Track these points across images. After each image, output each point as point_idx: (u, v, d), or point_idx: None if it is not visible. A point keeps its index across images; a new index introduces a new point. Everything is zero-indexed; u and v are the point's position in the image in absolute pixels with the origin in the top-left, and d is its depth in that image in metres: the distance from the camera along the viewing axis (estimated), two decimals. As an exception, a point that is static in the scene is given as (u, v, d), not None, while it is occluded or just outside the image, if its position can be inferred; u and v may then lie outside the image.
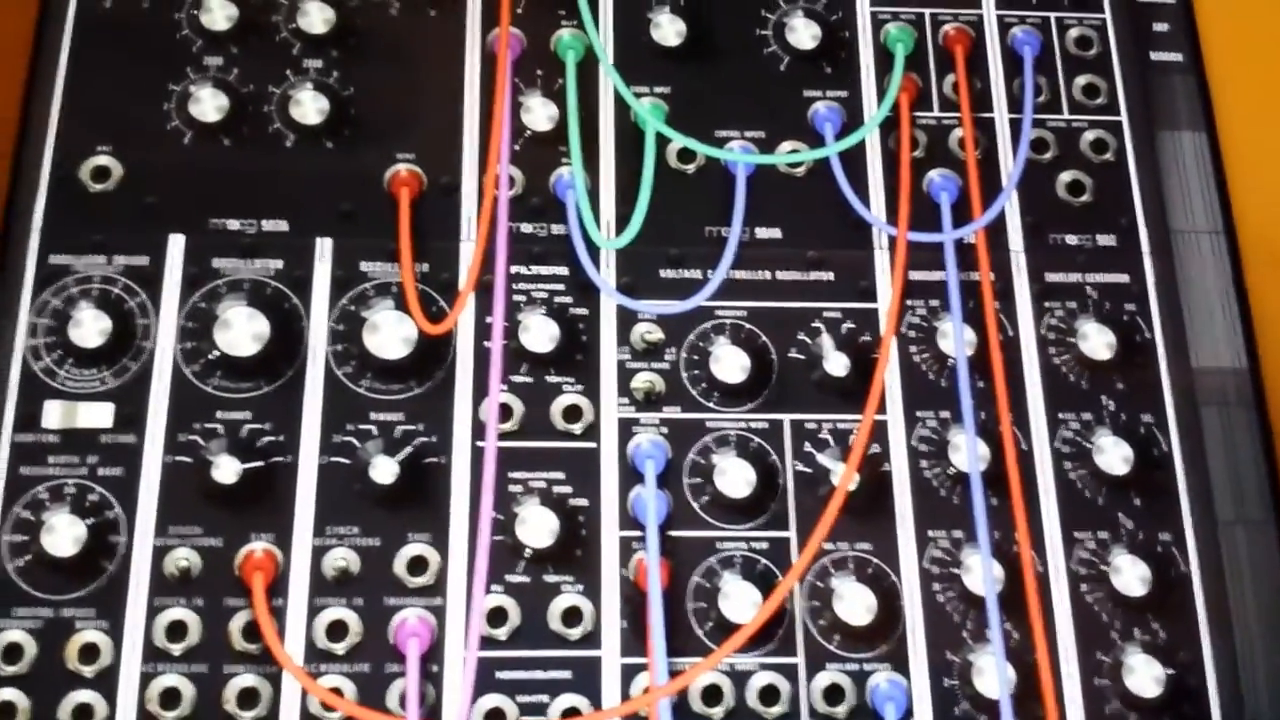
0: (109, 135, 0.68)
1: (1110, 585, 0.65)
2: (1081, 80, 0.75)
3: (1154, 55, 0.76)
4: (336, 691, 0.60)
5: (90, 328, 0.64)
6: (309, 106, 0.69)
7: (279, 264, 0.67)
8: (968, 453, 0.66)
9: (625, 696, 0.62)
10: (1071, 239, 0.72)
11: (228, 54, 0.71)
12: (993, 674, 0.63)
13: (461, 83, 0.71)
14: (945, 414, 0.68)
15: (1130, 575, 0.65)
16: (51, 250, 0.66)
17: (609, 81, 0.72)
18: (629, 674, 0.62)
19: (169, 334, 0.65)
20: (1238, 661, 0.65)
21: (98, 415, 0.64)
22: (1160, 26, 0.76)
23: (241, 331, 0.64)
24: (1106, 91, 0.75)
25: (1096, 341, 0.69)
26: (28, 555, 0.61)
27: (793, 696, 0.62)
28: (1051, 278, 0.71)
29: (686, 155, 0.71)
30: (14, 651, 0.60)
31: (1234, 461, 0.68)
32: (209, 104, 0.69)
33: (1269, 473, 0.68)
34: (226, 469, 0.62)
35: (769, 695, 0.62)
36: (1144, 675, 0.64)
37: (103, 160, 0.68)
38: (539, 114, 0.71)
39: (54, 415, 0.63)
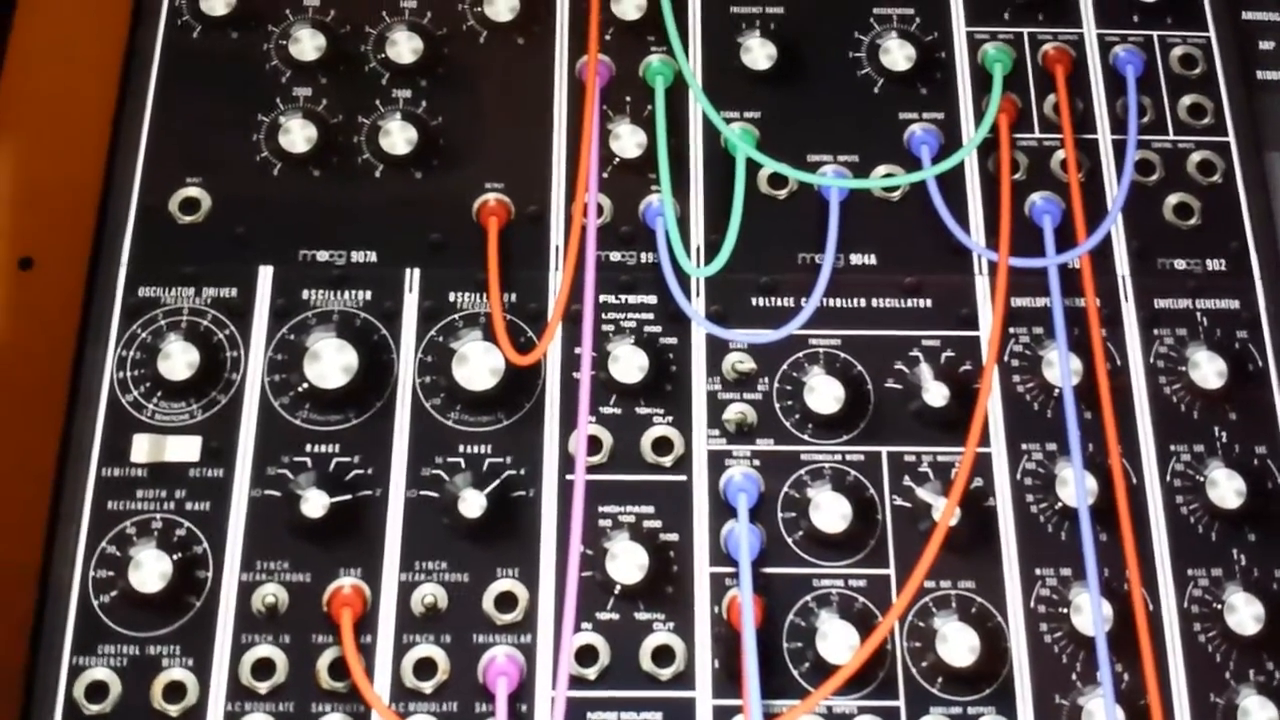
0: (197, 167, 0.66)
1: (1224, 624, 0.60)
2: (1186, 100, 0.70)
3: (1260, 74, 0.70)
4: (424, 731, 0.57)
5: (178, 360, 0.61)
6: (397, 136, 0.66)
7: (368, 295, 0.64)
8: (1076, 487, 0.61)
9: (719, 739, 0.58)
10: (1180, 264, 0.66)
11: (316, 84, 0.68)
12: (1102, 717, 0.57)
13: (550, 111, 0.68)
14: (1051, 446, 0.62)
15: (1245, 614, 0.60)
16: (140, 283, 0.63)
17: (698, 107, 0.68)
18: (722, 716, 0.58)
19: (257, 366, 0.62)
20: (1359, 703, 0.59)
21: (185, 449, 0.61)
22: (1266, 45, 0.71)
23: (331, 364, 0.61)
24: (1213, 111, 0.70)
25: (1208, 370, 0.64)
26: (114, 591, 0.58)
27: (894, 741, 0.58)
28: (1160, 304, 0.65)
29: (778, 181, 0.67)
30: (98, 690, 0.57)
31: (1353, 495, 0.63)
32: (298, 134, 0.66)
33: (1388, 506, 0.63)
34: (314, 503, 0.59)
35: (869, 739, 0.58)
36: (1259, 717, 0.58)
37: (192, 192, 0.65)
38: (628, 141, 0.67)
39: (142, 449, 0.60)
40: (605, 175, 0.67)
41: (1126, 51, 0.70)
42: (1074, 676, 0.59)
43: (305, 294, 0.64)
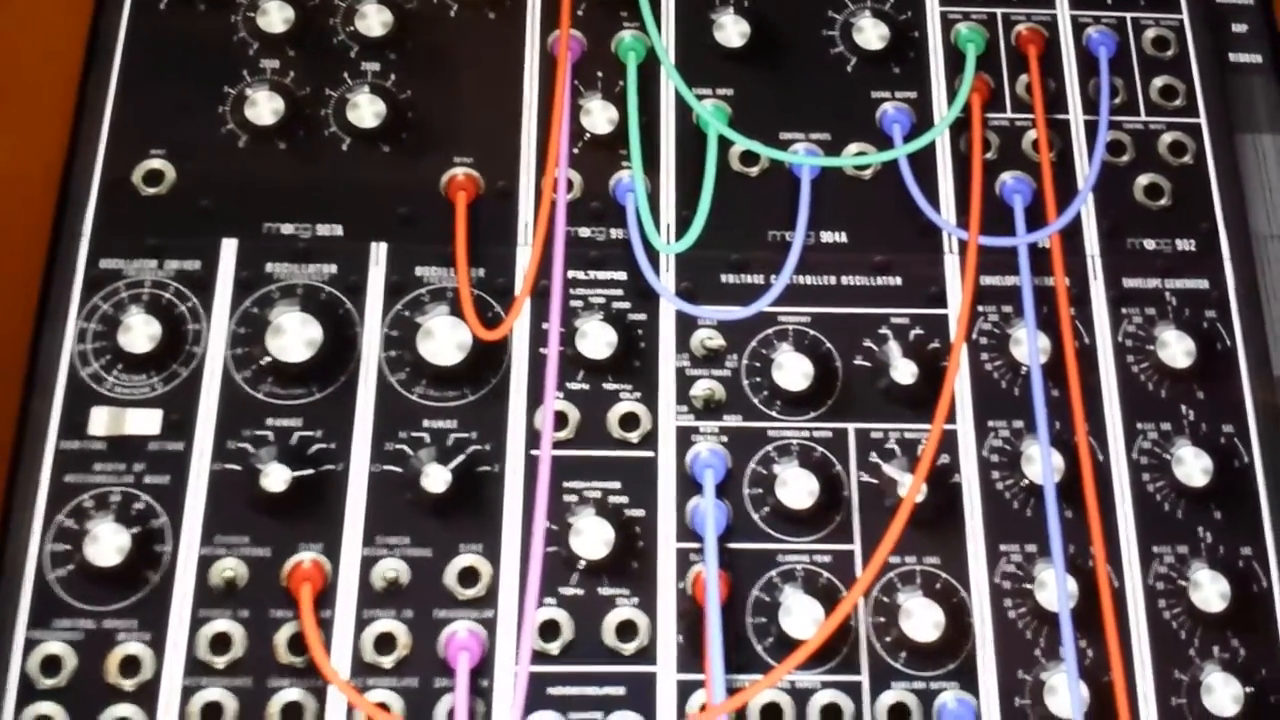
0: (162, 139, 0.64)
1: (1189, 601, 0.59)
2: (1159, 81, 0.69)
3: (1233, 56, 0.70)
4: (383, 706, 0.56)
5: (140, 333, 0.60)
6: (366, 110, 0.65)
7: (333, 269, 0.62)
8: (1042, 464, 0.60)
9: (681, 714, 0.57)
10: (1150, 243, 0.66)
11: (284, 57, 0.66)
12: (1066, 693, 0.57)
13: (520, 86, 0.67)
14: (1018, 424, 0.62)
15: (1210, 591, 0.59)
16: (102, 254, 0.62)
17: (670, 84, 0.67)
18: (685, 691, 0.57)
19: (220, 340, 0.61)
20: (1325, 681, 0.59)
21: (145, 422, 0.59)
22: (1239, 27, 0.70)
23: (294, 337, 0.60)
24: (1185, 93, 0.69)
25: (1176, 349, 0.63)
26: (70, 565, 0.57)
27: (856, 715, 0.57)
28: (1129, 283, 0.65)
29: (749, 158, 0.66)
30: (53, 664, 0.56)
31: (1321, 475, 0.62)
32: (264, 107, 0.64)
33: (1358, 486, 0.62)
34: (276, 477, 0.58)
35: (831, 714, 0.57)
36: (1223, 694, 0.58)
37: (156, 164, 0.64)
38: (599, 117, 0.66)
39: (100, 422, 0.59)
40: (576, 151, 0.66)
41: (1099, 33, 0.69)
42: (1038, 652, 0.58)
43: (269, 267, 0.62)
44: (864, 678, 0.58)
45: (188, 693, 0.56)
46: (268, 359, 0.60)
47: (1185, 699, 0.58)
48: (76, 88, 0.65)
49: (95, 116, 0.65)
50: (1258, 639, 0.59)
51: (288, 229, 0.63)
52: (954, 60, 0.69)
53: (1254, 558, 0.60)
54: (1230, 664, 0.59)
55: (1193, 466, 0.61)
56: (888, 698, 0.57)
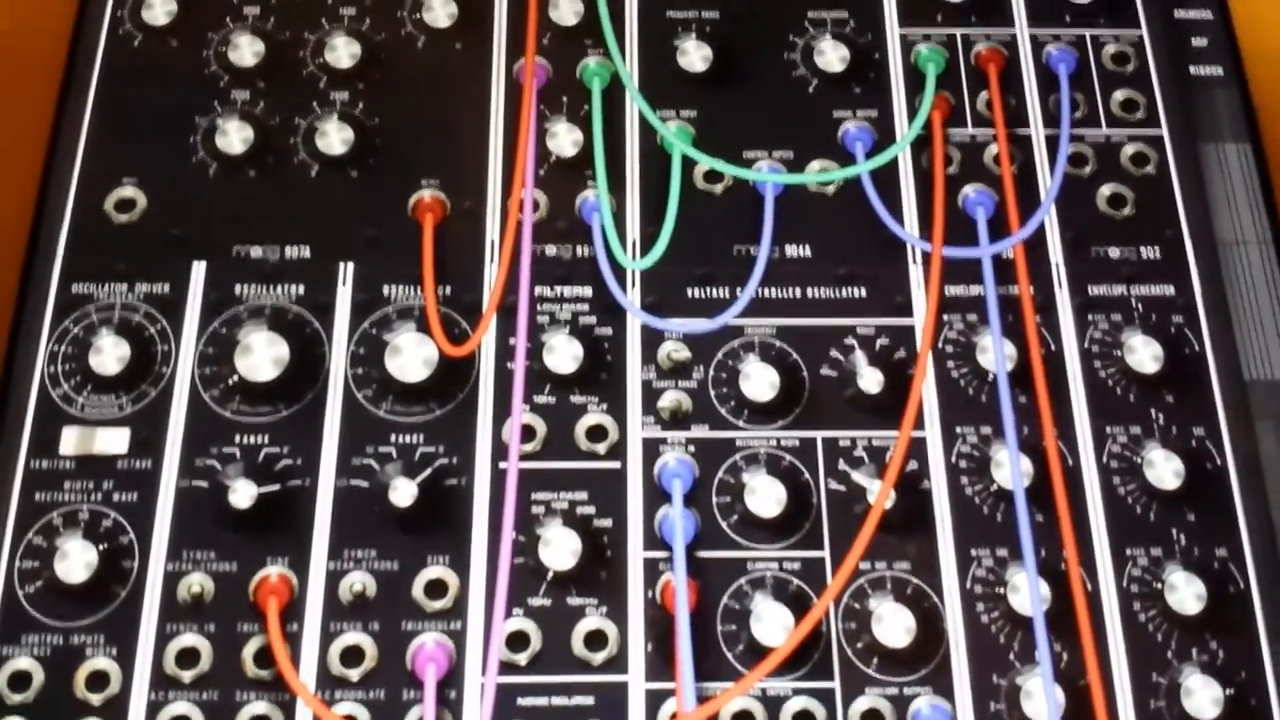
0: (134, 168, 0.65)
1: (1165, 603, 0.58)
2: (1120, 95, 0.69)
3: (1193, 69, 0.70)
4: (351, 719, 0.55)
5: (109, 354, 0.60)
6: (334, 137, 0.65)
7: (300, 289, 0.62)
8: (1011, 467, 0.59)
9: (652, 724, 0.56)
10: (1114, 252, 0.65)
11: (254, 89, 0.67)
12: (1041, 697, 0.56)
13: (487, 112, 0.67)
14: (986, 430, 0.61)
15: (1186, 593, 0.58)
16: (74, 279, 0.62)
17: (635, 107, 0.67)
18: (656, 700, 0.56)
19: (188, 360, 0.61)
20: (1304, 681, 0.57)
21: (114, 441, 0.59)
22: (1199, 41, 0.71)
23: (262, 356, 0.60)
24: (1145, 105, 0.69)
25: (1144, 354, 0.63)
26: (39, 581, 0.56)
27: (829, 722, 0.56)
28: (1095, 290, 0.64)
29: (713, 176, 0.66)
30: (21, 680, 0.55)
31: (1294, 476, 0.61)
32: (235, 136, 0.65)
33: (1333, 486, 0.61)
34: (242, 493, 0.58)
35: (804, 721, 0.56)
36: (1202, 696, 0.56)
37: (128, 192, 0.64)
38: (564, 139, 0.66)
39: (70, 441, 0.59)
40: (542, 172, 0.66)
41: (1059, 50, 0.70)
42: (1012, 656, 0.57)
43: (238, 289, 0.63)
44: (836, 684, 0.56)
45: (155, 707, 0.55)
46: (235, 378, 0.60)
47: (1164, 701, 0.57)
48: (52, 117, 0.66)
49: (70, 145, 0.65)
50: (1237, 641, 0.58)
51: (256, 252, 0.63)
52: (914, 80, 0.69)
53: (1229, 559, 0.59)
54: (1209, 666, 0.57)
55: (1164, 469, 0.60)
56: (861, 703, 0.56)
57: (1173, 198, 0.67)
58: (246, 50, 0.68)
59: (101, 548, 0.57)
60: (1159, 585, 0.59)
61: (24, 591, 0.56)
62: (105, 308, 0.62)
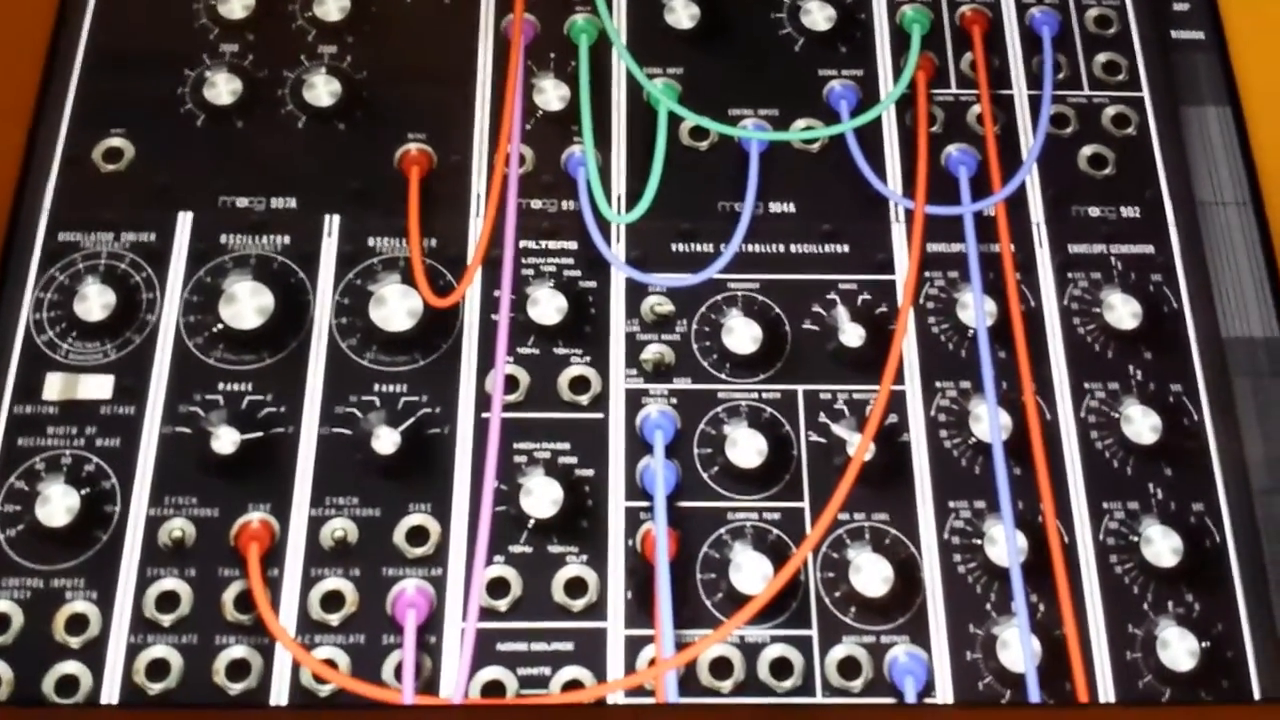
0: (122, 119, 0.64)
1: (1141, 556, 0.57)
2: (1102, 58, 0.68)
3: (1175, 34, 0.69)
4: (330, 663, 0.54)
5: (94, 302, 0.59)
6: (321, 89, 0.65)
7: (286, 239, 0.62)
8: (989, 421, 0.58)
9: (630, 669, 0.55)
10: (1094, 211, 0.64)
11: (244, 41, 0.66)
12: (1017, 647, 0.55)
13: (474, 67, 0.66)
14: (965, 384, 0.60)
15: (1162, 546, 0.58)
16: (60, 228, 0.61)
17: (622, 64, 0.66)
18: (634, 646, 0.55)
19: (173, 308, 0.60)
20: (1278, 632, 0.56)
21: (97, 387, 0.58)
22: (1181, 6, 0.70)
23: (246, 305, 0.59)
24: (1127, 69, 0.68)
25: (1122, 311, 0.62)
26: (20, 525, 0.56)
27: (806, 670, 0.55)
28: (1075, 249, 0.63)
29: (699, 133, 0.65)
30: (1, 622, 0.54)
31: (1269, 431, 0.60)
32: (223, 88, 0.64)
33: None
34: (225, 439, 0.57)
35: (781, 668, 0.55)
36: (1178, 648, 0.56)
37: (115, 142, 0.63)
38: (551, 95, 0.65)
39: (54, 387, 0.58)
40: (528, 127, 0.65)
41: (1042, 13, 0.69)
42: (988, 607, 0.56)
43: (224, 238, 0.62)
44: (814, 632, 0.56)
45: (134, 650, 0.54)
46: (220, 326, 0.59)
47: (1140, 653, 0.56)
48: (41, 68, 0.65)
49: (59, 97, 0.65)
50: (1212, 594, 0.57)
51: (242, 202, 0.63)
52: (899, 41, 0.68)
53: (1206, 513, 0.59)
54: (1185, 619, 0.57)
55: (1141, 424, 0.60)
56: (838, 651, 0.55)
57: (1153, 159, 0.66)
58: (236, 3, 0.67)
59: (83, 492, 0.56)
60: (1135, 539, 0.58)
61: (5, 535, 0.55)
62: (91, 256, 0.61)
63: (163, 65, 0.65)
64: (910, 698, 0.54)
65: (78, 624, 0.54)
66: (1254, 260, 0.64)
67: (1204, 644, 0.56)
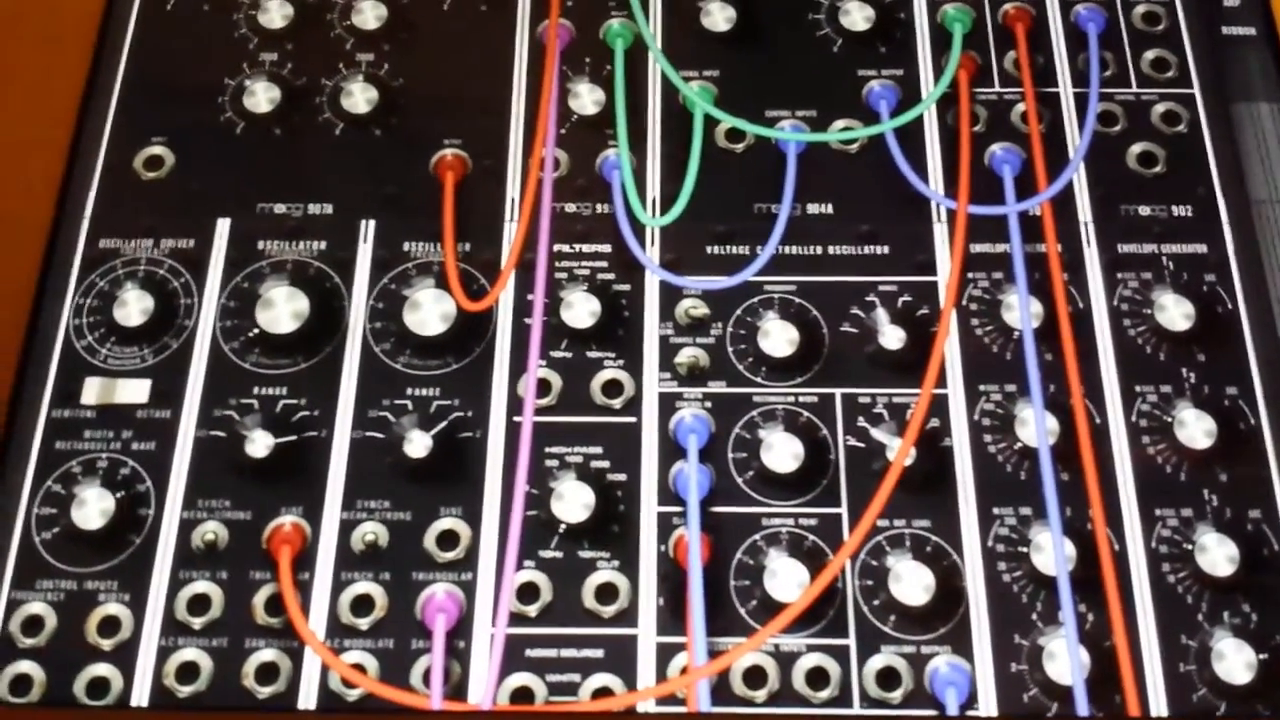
0: (164, 127, 0.64)
1: (1195, 565, 0.54)
2: (1150, 55, 0.66)
3: (1225, 29, 0.66)
4: (359, 668, 0.53)
5: (133, 307, 0.59)
6: (359, 97, 0.64)
7: (322, 245, 0.61)
8: (1036, 425, 0.56)
9: (661, 677, 0.53)
10: (1144, 210, 0.62)
11: (282, 50, 0.66)
12: (1065, 658, 0.52)
13: (510, 73, 0.65)
14: (1011, 388, 0.58)
15: (1217, 554, 0.55)
16: (101, 235, 0.61)
17: (657, 68, 0.65)
18: (666, 654, 0.53)
19: (210, 313, 0.59)
20: (1342, 645, 0.53)
21: (135, 391, 0.58)
22: (1231, 2, 0.67)
23: (282, 310, 0.59)
24: (1177, 65, 0.66)
25: (1174, 312, 0.59)
26: (56, 528, 0.55)
27: (843, 680, 0.53)
28: (1125, 248, 0.61)
29: (735, 135, 0.64)
30: (34, 624, 0.53)
31: (1331, 436, 0.57)
32: (262, 96, 0.64)
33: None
34: (259, 443, 0.56)
35: (817, 678, 0.53)
36: (1234, 661, 0.53)
37: (156, 150, 0.63)
38: (586, 99, 0.64)
39: (92, 391, 0.58)
40: (563, 131, 0.64)
41: (1088, 10, 0.67)
42: (1034, 616, 0.54)
43: (261, 244, 0.61)
44: (851, 641, 0.53)
45: (165, 652, 0.53)
46: (256, 330, 0.59)
47: (1195, 665, 0.53)
48: (85, 78, 0.65)
49: (102, 106, 0.65)
50: (1271, 605, 0.54)
51: (280, 209, 0.62)
52: (941, 40, 0.66)
53: (1263, 520, 0.55)
54: (1242, 630, 0.54)
55: (1195, 429, 0.57)
56: (876, 661, 0.53)
57: (1204, 156, 0.63)
58: (276, 13, 0.67)
59: (118, 495, 0.55)
60: (1189, 546, 0.55)
61: (40, 538, 0.55)
62: (131, 262, 0.61)
63: (203, 74, 0.65)
64: (952, 710, 0.52)
65: (110, 626, 0.54)
66: (1313, 259, 0.61)
67: (1261, 656, 0.53)
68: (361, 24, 0.66)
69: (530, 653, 0.53)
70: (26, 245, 0.61)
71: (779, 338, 0.59)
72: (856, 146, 0.64)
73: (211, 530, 0.55)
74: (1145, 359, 0.59)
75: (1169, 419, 0.57)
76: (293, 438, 0.57)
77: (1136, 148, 0.64)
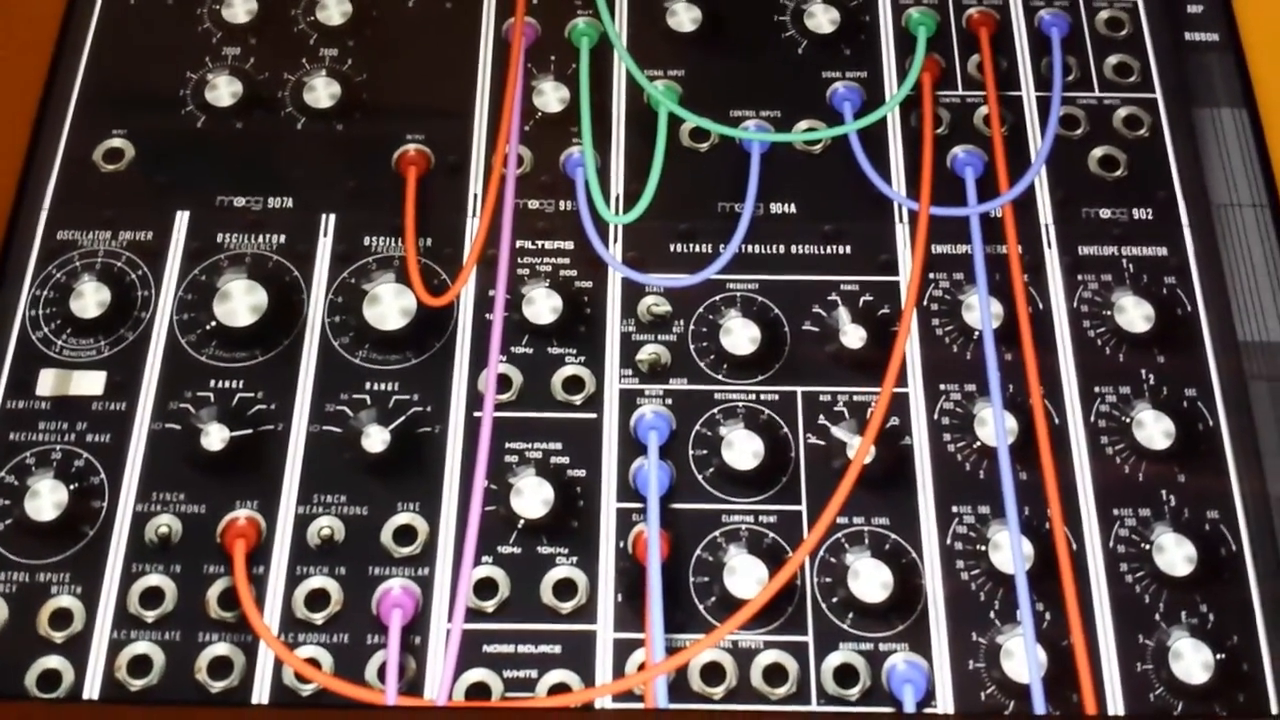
0: (124, 120, 0.63)
1: (1153, 565, 0.54)
2: (1113, 59, 0.66)
3: (1189, 35, 0.67)
4: (313, 663, 0.52)
5: (90, 299, 0.58)
6: (321, 91, 0.64)
7: (281, 238, 0.61)
8: (995, 424, 0.56)
9: (619, 673, 0.52)
10: (1105, 213, 0.62)
11: (246, 45, 0.66)
12: (1023, 657, 0.52)
13: (475, 70, 0.65)
14: (970, 387, 0.58)
15: (1175, 554, 0.55)
16: (60, 227, 0.61)
17: (622, 67, 0.65)
18: (624, 650, 0.53)
19: (167, 305, 0.59)
20: (1298, 644, 0.54)
21: (90, 383, 0.57)
22: (1194, 8, 0.68)
23: (240, 303, 0.58)
24: (1139, 70, 0.66)
25: (1134, 314, 0.59)
26: (8, 519, 0.54)
27: (801, 677, 0.52)
28: (1085, 250, 0.61)
29: (699, 134, 0.64)
30: (-16, 616, 0.53)
31: (1288, 437, 0.58)
32: (224, 90, 0.64)
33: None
34: (214, 436, 0.55)
35: (775, 675, 0.52)
36: (1191, 660, 0.53)
37: (116, 142, 0.63)
38: (550, 96, 0.64)
39: (47, 383, 0.57)
40: (527, 128, 0.64)
41: (1052, 15, 0.67)
42: (992, 615, 0.54)
43: (220, 237, 0.61)
44: (810, 638, 0.53)
45: (116, 645, 0.53)
46: (213, 323, 0.58)
47: (1152, 665, 0.53)
48: (47, 69, 0.64)
49: (63, 97, 0.64)
50: (1228, 604, 0.54)
51: (239, 202, 0.62)
52: (905, 43, 0.66)
53: (1221, 521, 0.56)
54: (1199, 629, 0.54)
55: (1154, 429, 0.57)
56: (834, 659, 0.53)
57: (1166, 160, 0.64)
58: (240, 8, 0.66)
59: (72, 487, 0.55)
60: (1147, 546, 0.55)
61: (-7, 529, 0.55)
62: (89, 254, 0.60)
63: (166, 68, 0.65)
64: (909, 707, 0.52)
65: (62, 619, 0.53)
66: (1271, 262, 0.61)
67: (1219, 656, 0.53)
68: (326, 19, 0.66)
69: (487, 648, 0.53)
70: (-13, 235, 0.60)
71: (741, 336, 0.59)
72: (820, 147, 0.64)
73: (166, 523, 0.55)
74: (1105, 360, 0.59)
75: (1128, 420, 0.58)
76: (249, 431, 0.56)
77: (1098, 151, 0.64)
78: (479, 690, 0.52)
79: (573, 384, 0.58)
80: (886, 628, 0.54)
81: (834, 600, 0.54)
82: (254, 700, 0.52)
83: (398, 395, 0.57)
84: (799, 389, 0.58)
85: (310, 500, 0.55)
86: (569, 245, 0.61)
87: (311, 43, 0.66)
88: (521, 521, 0.55)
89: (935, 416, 0.58)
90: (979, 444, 0.57)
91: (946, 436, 0.57)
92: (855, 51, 0.66)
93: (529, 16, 0.66)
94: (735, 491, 0.56)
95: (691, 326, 0.59)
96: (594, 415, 0.57)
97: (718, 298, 0.60)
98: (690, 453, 0.57)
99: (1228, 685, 0.53)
